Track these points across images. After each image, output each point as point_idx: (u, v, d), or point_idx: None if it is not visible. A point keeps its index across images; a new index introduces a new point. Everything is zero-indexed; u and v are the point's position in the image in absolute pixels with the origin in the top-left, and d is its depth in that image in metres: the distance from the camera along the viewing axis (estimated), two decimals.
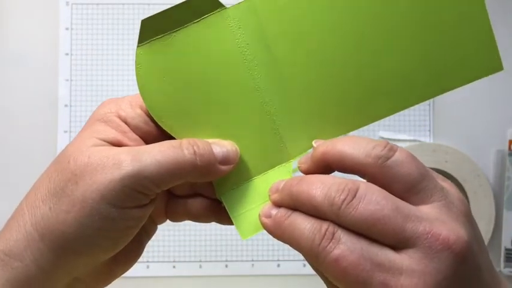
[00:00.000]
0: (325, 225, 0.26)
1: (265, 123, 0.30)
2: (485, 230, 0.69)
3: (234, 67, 0.29)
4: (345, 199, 0.26)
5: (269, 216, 0.28)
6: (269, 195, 0.29)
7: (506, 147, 0.70)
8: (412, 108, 0.74)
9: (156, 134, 0.30)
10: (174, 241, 0.66)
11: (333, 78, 0.29)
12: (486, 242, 0.68)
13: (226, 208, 0.30)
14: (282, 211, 0.28)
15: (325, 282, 0.29)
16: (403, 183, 0.26)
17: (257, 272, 0.68)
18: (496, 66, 0.30)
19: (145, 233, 0.33)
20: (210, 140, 0.29)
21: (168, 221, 0.33)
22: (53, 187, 0.28)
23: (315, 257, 0.26)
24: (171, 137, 0.30)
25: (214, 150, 0.28)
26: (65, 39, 0.71)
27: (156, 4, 0.71)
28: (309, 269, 0.74)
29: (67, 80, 0.70)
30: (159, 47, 0.29)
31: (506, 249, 0.68)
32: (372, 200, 0.25)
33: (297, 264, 0.68)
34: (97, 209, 0.26)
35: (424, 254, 0.25)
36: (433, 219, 0.26)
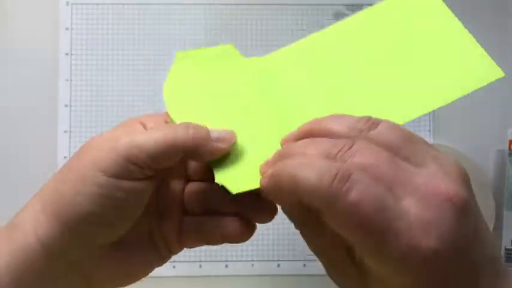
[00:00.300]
0: (336, 165, 0.24)
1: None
2: None
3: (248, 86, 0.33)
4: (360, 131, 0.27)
5: (268, 162, 0.28)
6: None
7: (506, 147, 0.70)
8: None
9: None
10: None
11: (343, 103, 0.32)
12: None
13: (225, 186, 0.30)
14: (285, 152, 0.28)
15: (316, 251, 0.28)
16: (387, 149, 0.26)
17: (257, 272, 0.68)
18: (495, 74, 0.33)
19: (158, 254, 0.33)
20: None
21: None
22: (63, 169, 0.30)
23: (325, 202, 0.23)
24: None
25: (209, 130, 0.29)
26: (65, 39, 0.71)
27: (156, 4, 0.71)
28: (309, 269, 0.74)
29: (67, 80, 0.70)
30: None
31: (506, 249, 0.68)
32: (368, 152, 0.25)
33: (297, 264, 0.68)
34: (90, 176, 0.27)
35: (427, 205, 0.24)
36: (429, 175, 0.25)
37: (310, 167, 0.24)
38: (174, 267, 0.66)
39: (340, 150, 0.25)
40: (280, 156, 0.28)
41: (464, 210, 0.24)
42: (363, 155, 0.25)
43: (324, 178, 0.23)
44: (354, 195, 0.23)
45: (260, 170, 0.29)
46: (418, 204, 0.24)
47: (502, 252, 0.69)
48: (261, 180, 0.28)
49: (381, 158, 0.25)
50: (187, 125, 0.29)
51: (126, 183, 0.28)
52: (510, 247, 0.68)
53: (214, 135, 0.29)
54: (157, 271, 0.68)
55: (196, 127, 0.29)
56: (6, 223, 0.31)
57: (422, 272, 0.23)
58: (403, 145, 0.26)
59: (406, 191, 0.24)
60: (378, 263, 0.24)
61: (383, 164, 0.25)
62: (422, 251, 0.23)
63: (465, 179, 0.26)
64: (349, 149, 0.25)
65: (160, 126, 0.30)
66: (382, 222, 0.23)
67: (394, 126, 0.27)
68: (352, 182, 0.23)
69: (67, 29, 0.71)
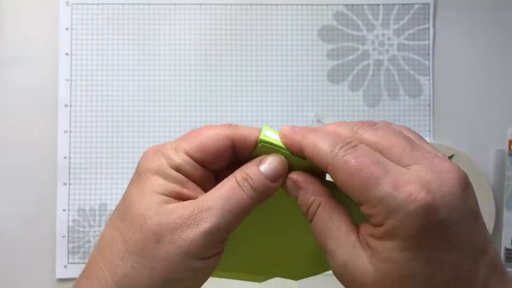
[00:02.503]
0: (347, 139, 0.28)
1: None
2: None
3: None
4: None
5: (290, 128, 0.31)
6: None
7: (506, 147, 0.70)
8: (412, 108, 0.74)
9: (205, 175, 0.32)
10: None
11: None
12: None
13: None
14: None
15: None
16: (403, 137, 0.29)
17: None
18: None
19: None
20: (255, 161, 0.31)
21: None
22: (132, 246, 0.29)
23: (332, 159, 0.27)
24: (219, 175, 0.33)
25: (263, 171, 0.31)
26: (65, 39, 0.71)
27: (156, 4, 0.71)
28: None
29: (67, 80, 0.70)
30: None
31: (506, 249, 0.68)
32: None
33: None
34: (183, 263, 0.28)
35: (431, 170, 0.26)
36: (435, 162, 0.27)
37: (330, 137, 0.29)
38: None
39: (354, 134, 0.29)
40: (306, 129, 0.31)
41: (466, 186, 0.26)
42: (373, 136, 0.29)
43: (337, 143, 0.28)
44: (354, 153, 0.27)
45: (282, 128, 0.32)
46: (423, 168, 0.26)
47: (502, 252, 0.69)
48: (285, 130, 0.31)
49: (397, 141, 0.28)
50: (247, 183, 0.30)
51: (212, 260, 0.30)
52: (510, 247, 0.68)
53: (269, 175, 0.31)
54: None
55: (256, 181, 0.30)
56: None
57: (416, 227, 0.25)
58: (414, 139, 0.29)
59: (412, 160, 0.27)
60: (375, 213, 0.26)
61: (394, 145, 0.28)
62: (417, 201, 0.25)
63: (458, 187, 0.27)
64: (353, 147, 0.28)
65: (225, 192, 0.30)
66: (379, 171, 0.26)
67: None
68: (355, 148, 0.27)
69: (67, 29, 0.71)
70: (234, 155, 0.32)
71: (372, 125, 0.29)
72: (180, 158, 0.31)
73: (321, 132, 0.29)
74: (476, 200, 0.27)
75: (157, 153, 0.31)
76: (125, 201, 0.31)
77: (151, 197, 0.30)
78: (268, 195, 0.31)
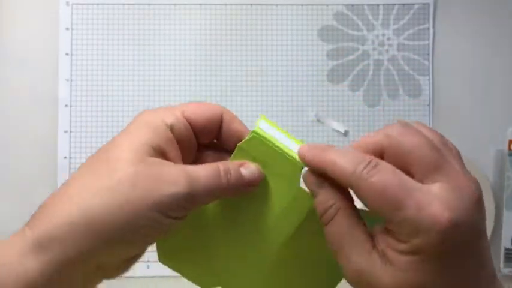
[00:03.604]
0: (368, 157, 0.29)
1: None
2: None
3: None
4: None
5: (308, 148, 0.32)
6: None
7: (506, 147, 0.70)
8: (412, 108, 0.74)
9: (190, 146, 0.35)
10: None
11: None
12: None
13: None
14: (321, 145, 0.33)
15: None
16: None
17: None
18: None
19: None
20: (238, 162, 0.34)
21: None
22: (105, 182, 0.30)
23: (356, 179, 0.29)
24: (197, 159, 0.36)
25: (243, 173, 0.33)
26: (65, 39, 0.71)
27: (156, 4, 0.72)
28: None
29: (67, 80, 0.70)
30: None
31: (506, 249, 0.68)
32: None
33: None
34: (148, 214, 0.30)
35: (452, 189, 0.28)
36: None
37: (351, 155, 0.30)
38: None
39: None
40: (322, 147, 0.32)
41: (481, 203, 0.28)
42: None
43: (360, 163, 0.29)
44: (377, 175, 0.28)
45: (300, 149, 0.33)
46: (443, 185, 0.28)
47: (502, 252, 0.69)
48: (303, 150, 0.32)
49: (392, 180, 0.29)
50: (227, 175, 0.33)
51: (174, 222, 0.31)
52: (510, 247, 0.68)
53: (246, 177, 0.33)
54: (158, 271, 0.68)
55: (234, 177, 0.33)
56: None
57: (437, 245, 0.27)
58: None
59: (434, 177, 0.28)
60: (398, 233, 0.28)
61: (421, 159, 0.29)
62: (442, 222, 0.26)
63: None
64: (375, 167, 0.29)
65: (209, 174, 0.32)
66: (403, 193, 0.27)
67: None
68: (377, 169, 0.28)
69: (67, 29, 0.71)
70: (217, 135, 0.35)
71: (405, 127, 0.30)
72: (175, 117, 0.33)
73: (339, 151, 0.31)
74: (485, 215, 0.29)
75: (155, 111, 0.34)
76: (110, 144, 0.32)
77: (137, 145, 0.31)
78: (237, 194, 0.33)
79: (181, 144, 0.34)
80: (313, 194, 0.32)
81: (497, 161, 0.70)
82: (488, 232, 0.69)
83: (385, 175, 0.28)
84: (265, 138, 0.33)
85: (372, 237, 0.30)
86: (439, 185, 0.28)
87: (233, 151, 0.34)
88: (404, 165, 0.29)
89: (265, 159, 0.34)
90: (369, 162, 0.29)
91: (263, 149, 0.33)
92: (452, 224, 0.27)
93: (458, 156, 0.31)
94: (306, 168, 0.33)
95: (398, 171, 0.28)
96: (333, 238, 0.31)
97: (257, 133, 0.33)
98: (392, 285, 0.28)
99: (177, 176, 0.31)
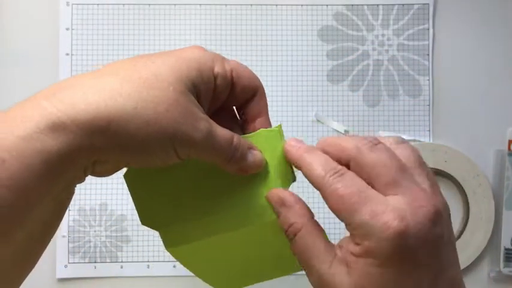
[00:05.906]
0: (340, 167, 0.33)
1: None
2: (485, 229, 0.69)
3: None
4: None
5: (294, 145, 0.36)
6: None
7: (506, 147, 0.70)
8: (411, 108, 0.74)
9: (221, 98, 0.36)
10: None
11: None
12: (486, 241, 0.69)
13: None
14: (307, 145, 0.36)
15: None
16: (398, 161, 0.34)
17: None
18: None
19: None
20: (249, 144, 0.36)
21: None
22: (144, 94, 0.30)
23: (324, 183, 0.32)
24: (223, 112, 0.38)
25: (248, 158, 0.35)
26: (65, 39, 0.71)
27: (156, 4, 0.72)
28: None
29: None
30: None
31: (506, 249, 0.68)
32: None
33: None
34: (165, 142, 0.31)
35: (408, 203, 0.31)
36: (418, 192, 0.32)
37: (325, 161, 0.34)
38: (174, 266, 0.66)
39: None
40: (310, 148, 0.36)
41: (437, 217, 0.31)
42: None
43: (329, 171, 0.33)
44: (339, 184, 0.32)
45: (291, 140, 0.36)
46: (400, 198, 0.31)
47: (502, 252, 0.69)
48: (290, 145, 0.36)
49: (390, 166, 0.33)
50: (237, 150, 0.34)
51: (173, 156, 0.32)
52: (510, 247, 0.68)
53: (249, 161, 0.35)
54: (158, 271, 0.69)
55: (241, 153, 0.35)
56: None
57: (392, 253, 0.29)
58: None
59: (394, 191, 0.31)
60: (354, 235, 0.31)
61: (385, 174, 0.32)
62: (391, 230, 0.29)
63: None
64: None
65: (226, 136, 0.34)
66: (360, 200, 0.31)
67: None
68: (344, 177, 0.32)
69: (67, 29, 0.71)
70: (227, 99, 0.37)
71: (374, 144, 0.33)
72: (223, 71, 0.35)
73: (317, 155, 0.34)
74: (448, 228, 0.32)
75: (209, 53, 0.35)
76: (157, 58, 0.32)
77: (183, 76, 0.32)
78: (228, 169, 0.35)
79: (213, 94, 0.35)
80: (276, 214, 0.35)
81: (497, 161, 0.70)
82: (488, 232, 0.69)
83: (348, 184, 0.31)
84: (282, 137, 0.37)
85: (334, 247, 0.33)
86: (397, 197, 0.31)
87: (246, 126, 0.38)
88: (367, 177, 0.32)
89: (264, 153, 0.36)
90: (338, 171, 0.32)
91: (271, 145, 0.37)
92: (401, 233, 0.29)
93: (430, 177, 0.33)
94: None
95: (360, 181, 0.32)
96: (298, 252, 0.34)
97: (280, 130, 0.37)
98: None
99: (203, 124, 0.32)
